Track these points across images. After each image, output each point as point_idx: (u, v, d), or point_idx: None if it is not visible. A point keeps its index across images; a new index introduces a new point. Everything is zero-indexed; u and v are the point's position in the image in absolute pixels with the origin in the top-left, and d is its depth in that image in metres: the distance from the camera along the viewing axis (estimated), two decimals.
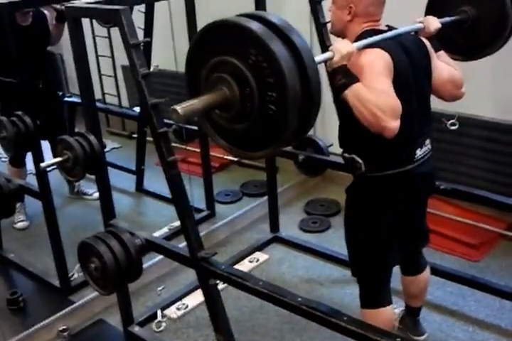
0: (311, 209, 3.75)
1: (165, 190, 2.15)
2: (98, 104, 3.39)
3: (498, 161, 3.19)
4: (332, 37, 2.86)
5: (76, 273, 3.01)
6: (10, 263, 3.28)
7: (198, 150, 3.59)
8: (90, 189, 3.95)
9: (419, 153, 2.02)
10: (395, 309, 2.61)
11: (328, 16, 2.83)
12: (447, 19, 2.24)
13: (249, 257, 3.25)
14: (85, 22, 2.25)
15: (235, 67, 1.32)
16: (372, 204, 2.07)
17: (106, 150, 2.39)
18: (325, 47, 2.86)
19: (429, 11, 2.39)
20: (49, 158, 2.60)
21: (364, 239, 2.13)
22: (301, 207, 3.80)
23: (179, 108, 1.34)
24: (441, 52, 2.11)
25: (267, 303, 2.08)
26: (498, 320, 2.66)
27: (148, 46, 3.53)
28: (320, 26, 2.84)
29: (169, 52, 3.48)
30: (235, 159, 4.47)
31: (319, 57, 1.71)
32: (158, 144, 2.03)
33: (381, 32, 1.91)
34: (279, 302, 1.97)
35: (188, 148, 3.68)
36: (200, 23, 3.20)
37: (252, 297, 2.11)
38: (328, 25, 2.80)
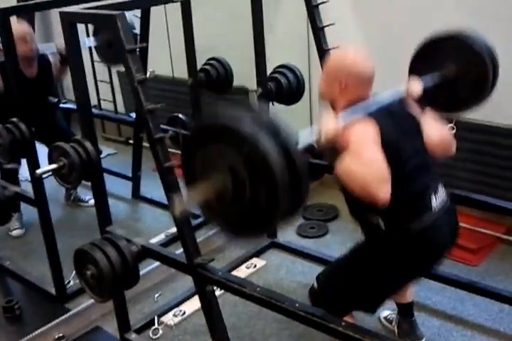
0: (309, 214, 3.74)
1: (162, 196, 2.14)
2: (94, 110, 3.38)
3: (493, 164, 3.19)
4: (329, 40, 2.89)
5: (72, 281, 2.98)
6: (5, 270, 3.25)
7: None
8: (86, 195, 3.94)
9: (435, 201, 2.03)
10: (392, 314, 2.61)
11: (324, 20, 2.85)
12: (429, 80, 2.29)
13: (246, 263, 3.24)
14: (80, 27, 2.25)
15: (228, 160, 1.41)
16: (393, 259, 2.03)
17: (102, 156, 2.39)
18: (322, 51, 2.86)
19: (413, 69, 2.44)
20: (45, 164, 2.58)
21: (364, 280, 2.09)
22: (299, 212, 3.78)
23: (176, 209, 1.49)
24: (428, 113, 2.18)
25: (264, 309, 2.07)
26: (496, 325, 2.65)
27: (144, 52, 3.52)
28: (317, 30, 2.84)
29: (165, 58, 3.48)
30: None
31: (308, 135, 1.80)
32: (155, 150, 2.02)
33: (366, 103, 1.99)
34: (276, 308, 1.96)
35: None
36: (197, 28, 3.22)
37: (250, 303, 2.11)
38: (326, 29, 2.84)
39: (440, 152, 2.15)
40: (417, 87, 2.15)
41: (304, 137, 1.75)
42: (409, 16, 3.30)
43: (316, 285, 2.22)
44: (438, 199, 2.04)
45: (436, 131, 2.14)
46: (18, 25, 3.06)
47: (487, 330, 2.63)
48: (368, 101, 2.00)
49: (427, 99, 2.23)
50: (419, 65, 2.43)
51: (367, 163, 1.81)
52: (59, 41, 3.14)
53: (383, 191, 1.77)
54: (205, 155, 1.48)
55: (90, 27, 4.21)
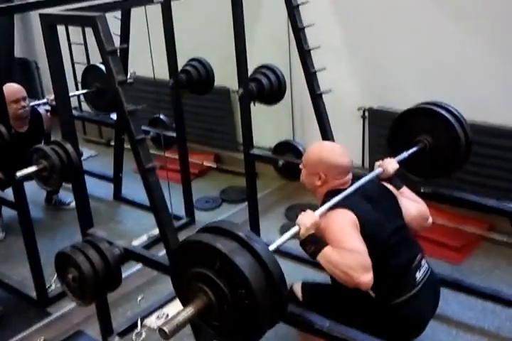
0: (292, 214, 3.74)
1: (143, 198, 2.13)
2: (74, 112, 3.35)
3: (476, 163, 3.20)
4: (310, 40, 2.89)
5: (53, 284, 2.95)
6: None
7: (176, 156, 3.57)
8: (67, 198, 3.90)
9: (419, 275, 2.12)
10: None
11: (305, 21, 2.85)
12: (406, 155, 2.47)
13: None
14: (60, 29, 2.23)
15: (209, 279, 1.51)
16: (375, 326, 2.02)
17: (83, 158, 2.37)
18: (303, 51, 2.86)
19: (390, 143, 2.65)
20: None
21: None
22: (282, 212, 3.79)
23: (166, 328, 1.49)
24: (404, 189, 2.30)
25: None
26: (481, 322, 2.67)
27: (124, 53, 3.50)
28: (298, 31, 2.84)
29: (146, 59, 3.46)
30: (214, 165, 4.46)
31: (288, 234, 1.90)
32: (136, 151, 2.02)
33: (344, 190, 2.09)
34: None
35: (167, 154, 3.65)
36: (177, 29, 3.20)
37: None
38: (306, 30, 2.84)
39: (418, 225, 2.25)
40: (392, 165, 2.31)
41: (285, 237, 1.88)
42: (388, 16, 3.32)
43: (300, 295, 2.26)
44: (421, 272, 2.13)
45: (413, 205, 2.25)
46: (10, 86, 3.13)
47: (471, 328, 2.65)
48: (346, 190, 2.10)
49: (404, 168, 2.43)
50: (395, 139, 2.63)
51: (347, 251, 1.88)
52: (50, 96, 3.24)
53: (365, 278, 1.85)
54: (190, 275, 1.57)
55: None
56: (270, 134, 3.62)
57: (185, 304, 1.60)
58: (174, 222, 2.67)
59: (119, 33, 3.48)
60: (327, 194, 2.13)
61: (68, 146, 2.21)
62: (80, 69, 4.65)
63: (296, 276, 3.08)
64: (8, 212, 3.03)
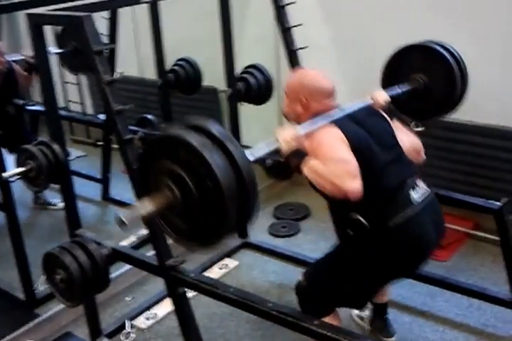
0: (280, 213, 3.75)
1: (131, 198, 2.12)
2: (62, 112, 3.34)
3: (463, 161, 3.25)
4: (297, 40, 2.90)
5: (41, 286, 2.93)
6: None
7: None
8: (55, 199, 3.88)
9: (415, 195, 2.02)
10: (365, 312, 2.63)
11: (293, 21, 2.86)
12: (398, 90, 2.34)
13: (218, 264, 3.23)
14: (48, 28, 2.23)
15: (176, 172, 1.44)
16: (377, 259, 2.02)
17: (70, 158, 2.37)
18: (290, 51, 2.88)
19: (385, 81, 2.50)
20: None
21: (345, 279, 2.08)
22: (270, 211, 3.80)
23: (124, 218, 1.44)
24: (396, 122, 2.20)
25: (237, 310, 2.07)
26: (467, 319, 2.69)
27: (112, 53, 3.49)
28: (285, 31, 2.85)
29: (133, 59, 3.46)
30: None
31: (266, 148, 1.80)
32: (124, 151, 2.01)
33: (330, 115, 2.00)
34: (249, 308, 1.96)
35: None
36: (165, 29, 3.20)
37: (222, 304, 2.10)
38: (295, 30, 2.85)
39: (412, 157, 2.16)
40: (382, 95, 2.20)
41: (262, 147, 1.78)
42: (377, 15, 3.33)
43: (303, 282, 2.21)
44: (418, 193, 2.04)
45: (406, 138, 2.16)
46: None
47: (457, 325, 2.66)
48: (331, 112, 2.02)
49: (398, 108, 2.32)
50: (389, 77, 2.49)
51: (332, 160, 1.83)
52: (26, 51, 3.12)
53: (352, 183, 1.78)
54: (157, 168, 1.50)
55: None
56: (258, 134, 3.60)
57: (148, 197, 1.52)
58: None
59: (106, 33, 3.48)
60: (311, 118, 2.03)
61: (55, 147, 2.20)
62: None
63: (284, 275, 3.11)
64: None
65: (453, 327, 2.66)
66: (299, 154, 1.87)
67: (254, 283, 3.07)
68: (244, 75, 3.15)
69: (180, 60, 3.42)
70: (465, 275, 2.98)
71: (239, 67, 3.13)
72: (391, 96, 2.24)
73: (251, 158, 1.65)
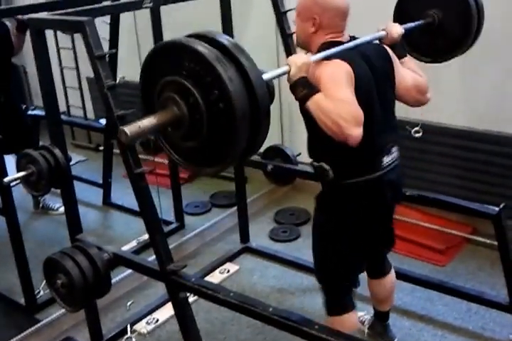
0: (281, 218, 3.76)
1: (133, 203, 2.13)
2: (63, 117, 3.34)
3: (462, 167, 3.26)
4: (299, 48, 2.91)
5: (42, 291, 2.94)
6: None
7: (166, 161, 3.57)
8: (56, 203, 3.88)
9: (386, 160, 2.03)
10: (365, 315, 2.63)
11: (294, 27, 2.87)
12: (412, 24, 2.26)
13: (219, 268, 3.23)
14: (49, 33, 2.23)
15: (182, 86, 1.34)
16: (341, 212, 2.08)
17: (71, 163, 2.36)
18: None
19: (397, 16, 2.42)
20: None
21: (331, 246, 2.14)
22: (271, 216, 3.80)
23: (127, 129, 1.34)
24: (407, 58, 2.14)
25: (238, 314, 2.08)
26: (466, 323, 2.70)
27: (113, 57, 3.50)
28: (286, 37, 2.85)
29: (135, 64, 3.46)
30: None
31: (276, 71, 1.74)
32: (125, 156, 2.00)
33: (342, 43, 1.93)
34: (250, 313, 1.95)
35: (156, 159, 3.65)
36: (167, 34, 3.21)
37: (224, 308, 2.11)
38: (294, 36, 2.86)
39: (414, 97, 2.10)
40: (397, 29, 2.11)
41: (272, 73, 1.71)
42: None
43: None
44: (390, 157, 2.05)
45: (411, 74, 2.09)
46: None
47: (457, 329, 2.67)
48: (344, 42, 1.95)
49: (409, 45, 2.22)
50: (403, 11, 2.41)
51: (340, 100, 1.74)
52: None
53: (356, 131, 1.72)
54: (162, 83, 1.41)
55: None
56: None
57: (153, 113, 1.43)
58: (164, 227, 2.66)
59: (107, 38, 3.49)
60: (323, 45, 1.95)
61: (57, 151, 2.19)
62: (68, 74, 4.66)
63: (284, 280, 3.11)
64: None
65: (452, 331, 2.66)
66: (306, 84, 1.76)
67: (254, 287, 3.07)
68: None
69: None
70: (463, 280, 2.99)
71: None
72: (405, 30, 2.14)
73: (265, 77, 1.59)
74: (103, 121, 3.91)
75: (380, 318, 2.58)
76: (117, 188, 4.03)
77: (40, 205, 3.96)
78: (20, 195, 3.03)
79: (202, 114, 1.33)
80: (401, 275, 2.69)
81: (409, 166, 3.18)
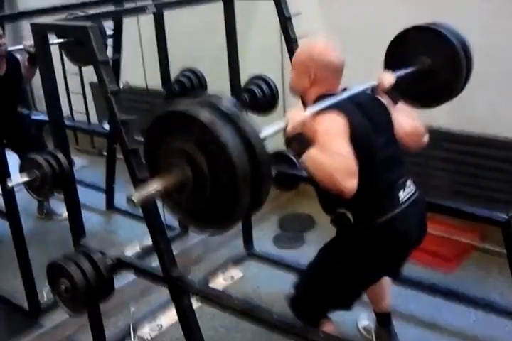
0: (285, 224, 3.74)
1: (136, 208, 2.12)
2: (66, 122, 3.33)
3: (466, 173, 3.24)
4: None
5: (45, 295, 2.92)
6: None
7: None
8: (59, 208, 3.87)
9: (402, 195, 2.03)
10: (370, 324, 2.61)
11: (298, 33, 2.87)
12: (403, 72, 2.30)
13: (223, 274, 3.21)
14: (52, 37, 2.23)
15: (187, 152, 1.39)
16: (360, 256, 2.03)
17: (75, 168, 2.36)
18: None
19: (388, 63, 2.46)
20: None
21: (339, 278, 2.08)
22: (275, 222, 3.79)
23: (134, 198, 1.40)
24: (400, 105, 2.18)
25: (242, 321, 2.07)
26: (474, 332, 2.66)
27: (117, 63, 3.50)
28: (290, 42, 2.85)
29: (139, 69, 3.46)
30: None
31: (273, 127, 1.78)
32: (129, 161, 2.01)
33: (335, 95, 1.97)
34: (254, 319, 1.95)
35: None
36: (170, 39, 3.21)
37: (228, 315, 2.10)
38: (299, 41, 2.86)
39: (412, 143, 2.15)
40: (388, 78, 2.16)
41: (271, 128, 1.75)
42: (379, 10, 3.32)
43: (293, 291, 2.21)
44: (406, 192, 2.04)
45: (407, 120, 2.13)
46: None
47: (464, 337, 2.64)
48: (338, 94, 1.98)
49: (401, 92, 2.23)
50: (393, 59, 2.44)
51: (334, 154, 1.79)
52: (27, 42, 3.10)
53: (350, 183, 1.76)
54: (167, 146, 1.45)
55: None
56: None
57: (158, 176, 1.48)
58: (167, 233, 2.65)
59: (111, 43, 3.49)
60: (317, 98, 2.00)
61: (60, 156, 2.20)
62: (71, 79, 4.66)
63: (271, 281, 3.08)
64: None
65: (460, 339, 2.64)
66: (302, 139, 1.83)
67: (259, 294, 3.05)
68: (250, 86, 3.15)
69: (185, 70, 3.42)
70: (471, 287, 2.95)
71: (244, 78, 3.13)
72: (397, 79, 2.19)
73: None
74: (107, 126, 3.91)
75: (383, 322, 2.55)
76: (121, 193, 4.01)
77: (44, 210, 3.97)
78: (24, 200, 3.02)
79: (206, 178, 1.38)
80: (408, 283, 2.67)
81: (412, 172, 3.17)
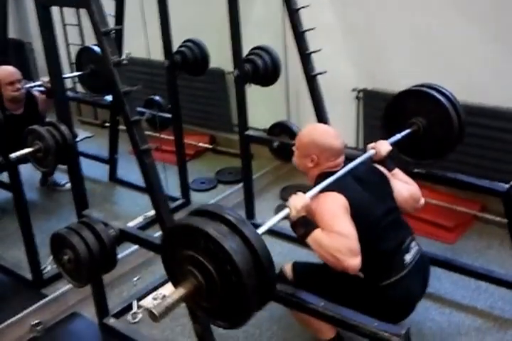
0: (287, 195, 3.70)
1: (139, 179, 2.12)
2: (69, 93, 3.33)
3: (469, 143, 3.19)
4: (305, 22, 2.87)
5: (49, 266, 2.96)
6: None
7: (172, 138, 3.56)
8: (62, 179, 3.89)
9: (408, 257, 2.13)
10: None
11: (300, 2, 2.83)
12: (399, 136, 2.48)
13: None
14: (55, 9, 2.21)
15: (198, 260, 1.53)
16: (364, 306, 1.97)
17: (78, 139, 2.36)
18: (298, 32, 2.85)
19: (385, 125, 2.66)
20: None
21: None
22: (277, 193, 3.79)
23: (154, 311, 1.49)
24: (396, 170, 2.31)
25: None
26: (474, 302, 2.69)
27: (119, 34, 3.46)
28: (292, 12, 2.82)
29: (141, 40, 3.43)
30: (210, 146, 4.45)
31: (279, 215, 1.92)
32: (132, 133, 2.01)
33: (336, 172, 2.10)
34: None
35: (162, 136, 3.64)
36: (172, 10, 3.17)
37: None
38: (301, 11, 2.82)
39: (410, 206, 2.26)
40: (385, 147, 2.31)
41: (275, 219, 1.88)
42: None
43: (291, 275, 2.28)
44: (410, 254, 2.15)
45: (405, 186, 2.25)
46: (4, 69, 3.17)
47: (464, 307, 2.67)
48: (338, 172, 2.10)
49: (398, 150, 2.46)
50: (389, 122, 2.64)
51: (337, 235, 1.89)
52: (44, 77, 3.22)
53: (352, 262, 1.86)
54: (179, 256, 1.59)
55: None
56: (265, 115, 3.60)
57: (175, 286, 1.62)
58: (170, 203, 2.66)
59: (113, 14, 3.45)
60: (319, 176, 2.15)
61: (63, 127, 2.20)
62: (74, 51, 4.62)
63: (290, 256, 3.11)
64: (3, 194, 3.02)
65: (460, 309, 2.66)
66: (306, 223, 1.94)
67: None
68: (252, 56, 3.12)
69: (187, 41, 3.39)
70: (472, 258, 2.98)
71: (246, 49, 3.10)
72: (392, 144, 2.35)
73: (264, 229, 1.80)
74: (109, 98, 3.89)
75: None
76: (123, 164, 4.03)
77: (47, 181, 3.98)
78: (28, 172, 3.03)
79: (216, 283, 1.52)
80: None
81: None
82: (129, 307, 2.76)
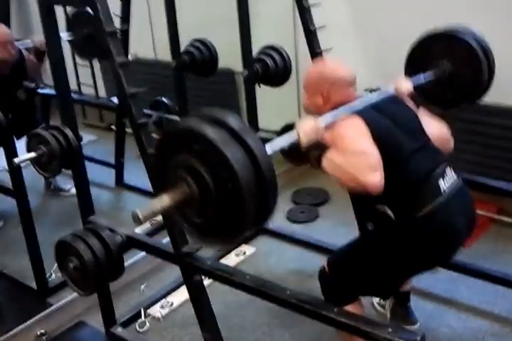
0: (299, 198, 3.70)
1: (146, 184, 2.08)
2: (73, 95, 3.28)
3: (484, 144, 3.18)
4: (316, 20, 2.82)
5: (54, 274, 2.92)
6: None
7: None
8: (67, 184, 3.85)
9: (443, 183, 1.96)
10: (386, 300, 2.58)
11: (311, 1, 2.80)
12: (422, 78, 2.29)
13: (235, 250, 3.18)
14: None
15: (193, 166, 1.41)
16: (407, 250, 1.95)
17: (83, 143, 2.34)
18: (309, 31, 2.83)
19: (408, 66, 2.47)
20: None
21: (386, 275, 2.02)
22: (289, 196, 3.75)
23: (140, 213, 1.41)
24: (421, 110, 2.16)
25: (255, 298, 2.03)
26: (491, 306, 2.63)
27: (125, 34, 3.43)
28: (304, 10, 2.82)
29: (147, 40, 3.41)
30: None
31: (284, 139, 1.74)
32: (138, 136, 1.99)
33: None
34: (266, 296, 1.93)
35: None
36: (180, 10, 3.13)
37: (239, 292, 2.06)
38: (312, 9, 2.79)
39: (441, 146, 2.11)
40: (405, 85, 2.14)
41: (282, 140, 1.73)
42: None
43: (326, 268, 2.16)
44: (447, 182, 1.98)
45: (433, 127, 2.11)
46: None
47: (481, 312, 2.61)
48: (352, 102, 1.98)
49: (422, 97, 2.28)
50: (413, 64, 2.45)
51: (354, 152, 1.78)
52: (36, 37, 3.09)
53: (373, 178, 1.73)
54: (174, 162, 1.47)
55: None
56: (276, 117, 3.55)
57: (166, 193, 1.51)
58: None
59: (119, 14, 3.42)
60: (333, 109, 1.99)
61: (68, 131, 2.19)
62: None
63: (284, 256, 3.06)
64: (7, 200, 2.98)
65: (476, 314, 2.60)
66: (319, 147, 1.83)
67: (271, 270, 3.02)
68: (262, 56, 3.09)
69: (195, 40, 3.36)
70: (488, 262, 2.88)
71: (256, 48, 3.06)
72: (414, 86, 2.18)
73: (269, 152, 1.60)
74: (115, 100, 3.85)
75: (401, 300, 2.51)
76: (130, 169, 3.99)
77: (51, 187, 3.95)
78: (31, 176, 2.99)
79: (211, 193, 1.40)
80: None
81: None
82: (137, 315, 2.71)
